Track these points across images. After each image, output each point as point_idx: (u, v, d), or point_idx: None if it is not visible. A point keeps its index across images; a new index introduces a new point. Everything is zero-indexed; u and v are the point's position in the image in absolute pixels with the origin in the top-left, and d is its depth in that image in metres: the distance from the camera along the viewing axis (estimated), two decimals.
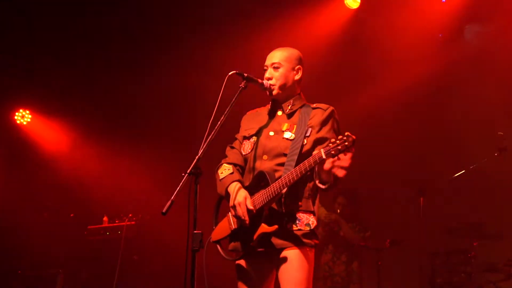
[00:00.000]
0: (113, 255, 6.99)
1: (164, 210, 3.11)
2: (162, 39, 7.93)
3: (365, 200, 6.84)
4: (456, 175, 6.14)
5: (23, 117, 8.54)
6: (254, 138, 3.69)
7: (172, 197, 3.12)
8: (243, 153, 3.73)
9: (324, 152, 3.13)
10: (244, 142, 3.76)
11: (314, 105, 3.66)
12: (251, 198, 3.46)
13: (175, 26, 7.73)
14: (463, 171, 6.09)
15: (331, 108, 3.63)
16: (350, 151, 3.10)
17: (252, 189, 3.52)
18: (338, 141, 3.10)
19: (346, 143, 3.07)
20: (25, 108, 8.55)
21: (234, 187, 3.53)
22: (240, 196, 3.44)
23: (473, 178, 6.41)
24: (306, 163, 3.23)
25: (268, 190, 3.37)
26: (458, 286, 6.26)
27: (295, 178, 3.29)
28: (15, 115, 8.50)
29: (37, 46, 7.76)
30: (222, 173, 3.67)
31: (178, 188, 3.15)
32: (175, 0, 7.40)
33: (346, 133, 3.11)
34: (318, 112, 3.60)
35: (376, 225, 6.70)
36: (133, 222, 7.22)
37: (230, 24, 7.71)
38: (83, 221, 7.73)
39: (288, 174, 3.32)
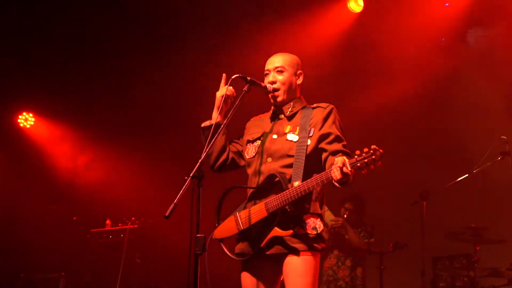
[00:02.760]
0: (115, 259, 6.99)
1: (167, 214, 3.11)
2: (165, 42, 7.94)
3: (367, 204, 6.83)
4: (459, 179, 6.12)
5: (26, 120, 8.56)
6: (258, 142, 3.71)
7: (175, 201, 3.12)
8: (247, 157, 3.75)
9: (350, 164, 3.11)
10: (247, 146, 3.77)
11: (314, 105, 3.69)
12: (262, 200, 3.49)
13: (177, 29, 7.74)
14: (466, 175, 6.07)
15: (331, 106, 3.65)
16: (377, 165, 3.07)
17: (262, 191, 3.53)
18: (364, 154, 3.08)
19: (374, 157, 3.05)
20: (28, 111, 8.57)
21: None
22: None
23: (476, 182, 6.40)
24: (330, 173, 3.21)
25: (284, 195, 3.37)
26: None
27: (315, 187, 3.32)
28: (18, 118, 8.52)
29: (41, 49, 7.78)
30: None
31: (181, 191, 3.15)
32: (178, 3, 7.40)
33: (372, 146, 3.08)
34: (319, 111, 3.62)
35: (378, 229, 6.69)
36: (136, 226, 7.22)
37: (232, 28, 7.72)
38: (85, 224, 7.73)
39: (307, 181, 3.32)
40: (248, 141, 3.79)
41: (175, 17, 7.59)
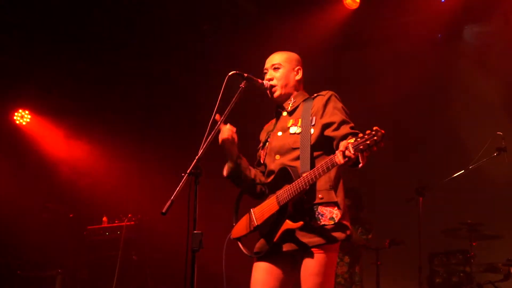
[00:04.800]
0: (112, 256, 6.99)
1: (163, 210, 3.10)
2: (163, 40, 7.93)
3: (364, 200, 6.84)
4: (455, 175, 6.13)
5: (22, 117, 8.53)
6: (267, 144, 3.74)
7: (172, 197, 3.12)
8: (262, 161, 3.78)
9: (353, 147, 3.04)
10: (261, 152, 3.81)
11: (315, 95, 3.68)
12: (274, 195, 3.47)
13: (175, 26, 7.73)
14: (462, 171, 6.09)
15: (331, 92, 3.63)
16: (379, 146, 2.98)
17: (274, 187, 3.52)
18: (366, 136, 3.01)
19: (375, 138, 2.97)
20: (24, 109, 8.54)
21: None
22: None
23: (472, 178, 6.41)
24: (334, 158, 3.16)
25: (294, 186, 3.34)
26: (457, 286, 6.26)
27: (322, 174, 3.24)
28: (14, 115, 8.49)
29: (36, 46, 7.76)
30: None
31: (178, 188, 3.15)
32: (175, 1, 7.40)
33: (374, 128, 3.01)
34: (319, 99, 3.61)
35: (375, 225, 6.71)
36: (132, 223, 7.22)
37: (229, 25, 7.71)
38: (82, 221, 7.73)
39: (314, 169, 3.27)
40: (261, 148, 3.83)
41: (173, 15, 7.58)
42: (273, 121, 3.86)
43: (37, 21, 7.46)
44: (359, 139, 3.03)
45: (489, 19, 7.24)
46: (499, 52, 7.23)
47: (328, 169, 3.22)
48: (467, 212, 6.69)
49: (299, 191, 3.32)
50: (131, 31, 7.77)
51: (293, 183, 3.35)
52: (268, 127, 3.91)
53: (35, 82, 8.14)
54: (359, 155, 3.05)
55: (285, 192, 3.39)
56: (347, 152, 3.06)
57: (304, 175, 3.32)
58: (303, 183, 3.30)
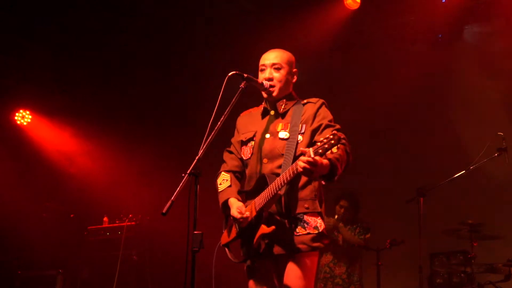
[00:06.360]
0: (113, 256, 6.99)
1: (164, 211, 3.11)
2: (162, 39, 7.93)
3: (364, 200, 6.84)
4: (456, 175, 6.13)
5: (23, 117, 8.53)
6: (252, 143, 3.71)
7: (172, 198, 3.13)
8: (244, 158, 3.75)
9: (313, 151, 3.12)
10: (242, 148, 3.78)
11: (305, 101, 3.70)
12: (253, 201, 3.51)
13: (174, 26, 7.73)
14: (463, 171, 6.08)
15: (321, 100, 3.67)
16: (337, 146, 3.08)
17: (255, 193, 3.55)
18: (325, 140, 3.10)
19: (332, 141, 3.07)
20: (25, 109, 8.55)
21: (232, 202, 3.62)
22: (234, 210, 3.55)
23: (473, 179, 6.41)
24: (295, 165, 3.23)
25: (266, 192, 3.40)
26: (458, 286, 6.27)
27: (289, 178, 3.29)
28: (15, 115, 8.49)
29: (37, 47, 7.77)
30: (221, 184, 3.75)
31: (178, 188, 3.16)
32: (175, 2, 7.40)
33: (332, 132, 3.13)
34: (309, 107, 3.64)
35: (376, 226, 6.70)
36: (133, 223, 7.22)
37: (229, 25, 7.71)
38: (83, 221, 7.73)
39: (282, 174, 3.33)
40: (242, 142, 3.78)
41: (172, 15, 7.58)
42: (255, 113, 3.84)
43: (37, 21, 7.46)
44: (318, 144, 3.11)
45: (490, 20, 7.24)
46: (500, 52, 7.22)
47: (290, 176, 3.27)
48: (467, 213, 6.68)
49: (271, 196, 3.37)
50: (130, 31, 7.77)
51: (266, 189, 3.40)
52: (247, 117, 3.87)
53: (35, 82, 8.14)
54: (335, 166, 3.22)
55: (260, 199, 3.45)
56: (306, 156, 3.13)
57: (276, 179, 3.37)
58: (274, 188, 3.35)
